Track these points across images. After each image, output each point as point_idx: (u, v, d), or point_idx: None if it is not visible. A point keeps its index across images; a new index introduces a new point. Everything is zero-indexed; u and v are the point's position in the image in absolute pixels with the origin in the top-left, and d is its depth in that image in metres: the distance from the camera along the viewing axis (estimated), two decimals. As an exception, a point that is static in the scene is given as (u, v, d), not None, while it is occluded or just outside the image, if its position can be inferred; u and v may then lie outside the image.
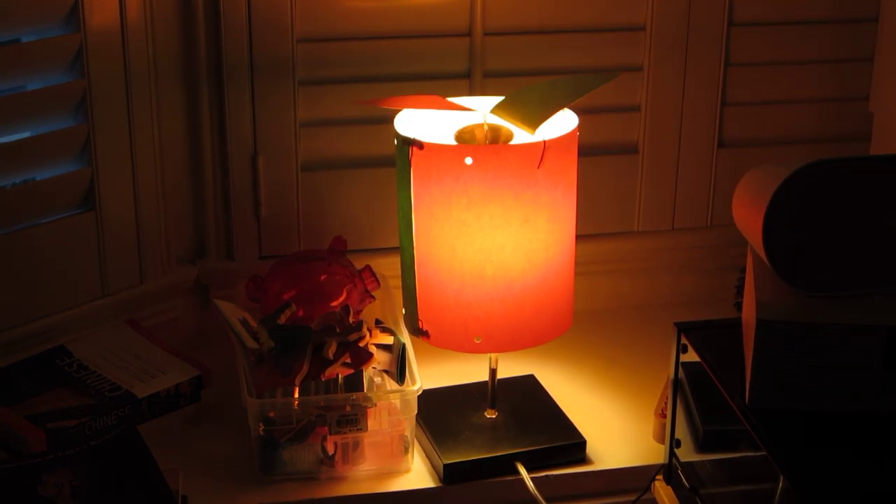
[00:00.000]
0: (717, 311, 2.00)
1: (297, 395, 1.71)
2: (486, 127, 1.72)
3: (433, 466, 1.78)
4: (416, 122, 1.73)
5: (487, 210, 1.65)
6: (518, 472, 1.75)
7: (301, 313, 1.85)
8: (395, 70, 2.03)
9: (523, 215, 1.65)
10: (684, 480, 1.69)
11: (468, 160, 1.63)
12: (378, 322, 1.88)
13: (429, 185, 1.66)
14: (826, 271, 1.50)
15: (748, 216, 1.55)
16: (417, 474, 1.77)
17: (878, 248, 1.51)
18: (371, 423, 1.73)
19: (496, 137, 1.71)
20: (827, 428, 1.48)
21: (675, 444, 1.72)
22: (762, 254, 1.50)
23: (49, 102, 1.85)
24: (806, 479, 1.40)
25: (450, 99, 1.73)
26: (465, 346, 1.72)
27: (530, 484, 1.73)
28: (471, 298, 1.69)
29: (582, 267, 1.96)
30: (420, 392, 1.74)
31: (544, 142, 1.63)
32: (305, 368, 1.71)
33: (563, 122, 1.71)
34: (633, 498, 1.76)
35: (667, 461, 1.73)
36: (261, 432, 1.72)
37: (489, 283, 1.68)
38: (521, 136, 1.70)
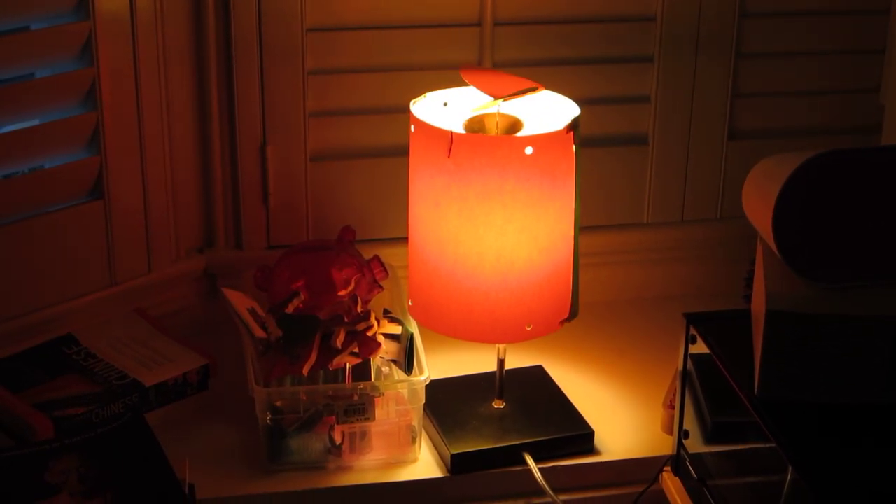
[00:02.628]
0: (726, 302, 1.99)
1: (303, 386, 1.71)
2: (497, 116, 1.72)
3: (440, 456, 1.78)
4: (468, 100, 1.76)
5: (414, 184, 1.72)
6: (526, 463, 1.75)
7: (309, 303, 1.85)
8: (405, 60, 2.02)
9: (434, 199, 1.68)
10: (692, 472, 1.69)
11: (412, 128, 1.70)
12: (386, 312, 1.88)
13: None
14: (836, 262, 1.50)
15: (758, 207, 1.55)
16: (425, 464, 1.77)
17: (888, 240, 1.50)
18: (378, 412, 1.73)
19: (509, 128, 1.71)
20: (836, 419, 1.48)
21: (683, 435, 1.71)
22: (772, 245, 1.50)
23: (58, 90, 1.85)
24: (815, 470, 1.39)
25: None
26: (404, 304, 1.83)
27: (538, 474, 1.73)
28: (404, 259, 1.82)
29: (591, 258, 1.96)
30: (428, 382, 1.74)
31: (451, 132, 1.64)
32: (313, 357, 1.71)
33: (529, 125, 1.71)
34: (640, 489, 1.76)
35: (675, 452, 1.73)
36: (268, 421, 1.71)
37: (411, 251, 1.76)
38: (529, 127, 1.69)
